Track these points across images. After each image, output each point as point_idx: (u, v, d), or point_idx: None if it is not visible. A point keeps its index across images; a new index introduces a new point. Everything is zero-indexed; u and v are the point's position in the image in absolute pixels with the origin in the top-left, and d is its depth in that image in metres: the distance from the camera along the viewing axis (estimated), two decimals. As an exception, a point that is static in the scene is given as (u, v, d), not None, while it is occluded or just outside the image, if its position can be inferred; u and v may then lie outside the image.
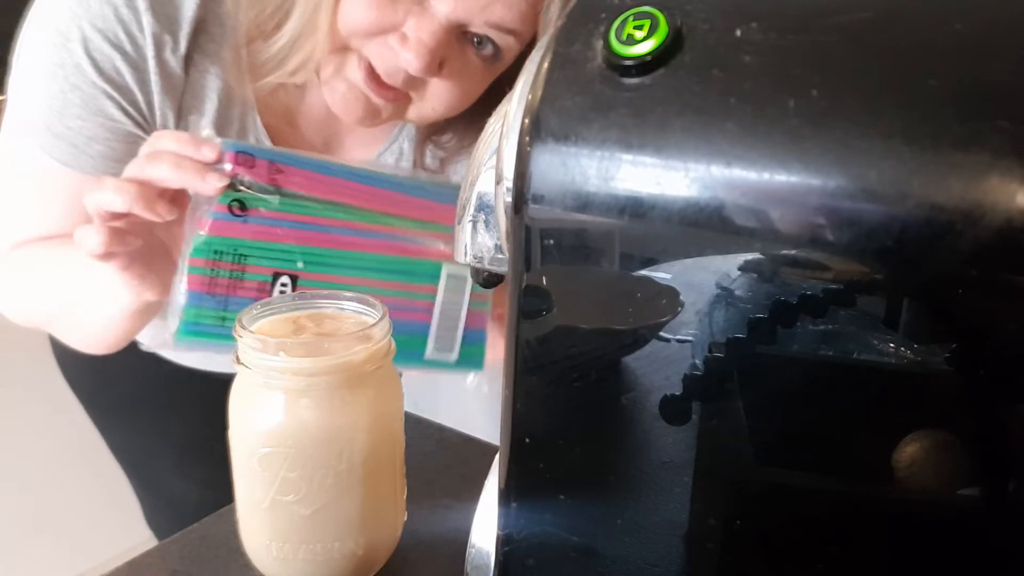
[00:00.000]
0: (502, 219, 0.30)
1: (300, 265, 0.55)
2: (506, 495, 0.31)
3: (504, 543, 0.31)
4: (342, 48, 0.62)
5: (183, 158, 0.54)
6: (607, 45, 0.26)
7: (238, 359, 0.44)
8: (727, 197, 0.25)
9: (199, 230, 0.53)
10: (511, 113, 0.28)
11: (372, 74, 0.62)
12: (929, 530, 0.27)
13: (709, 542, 0.29)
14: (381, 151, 0.75)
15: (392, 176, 0.60)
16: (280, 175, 0.56)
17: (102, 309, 0.63)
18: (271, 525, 0.45)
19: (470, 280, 0.58)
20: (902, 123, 0.24)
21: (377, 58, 0.61)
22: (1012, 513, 0.26)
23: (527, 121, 0.27)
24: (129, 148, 0.66)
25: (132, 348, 0.84)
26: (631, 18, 0.26)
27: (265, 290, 0.54)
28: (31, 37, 0.65)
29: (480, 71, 0.64)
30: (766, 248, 0.25)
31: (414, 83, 0.63)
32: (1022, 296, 0.23)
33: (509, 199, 0.28)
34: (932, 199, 0.23)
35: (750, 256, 0.25)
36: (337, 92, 0.64)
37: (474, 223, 0.33)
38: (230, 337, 0.51)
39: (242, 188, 0.54)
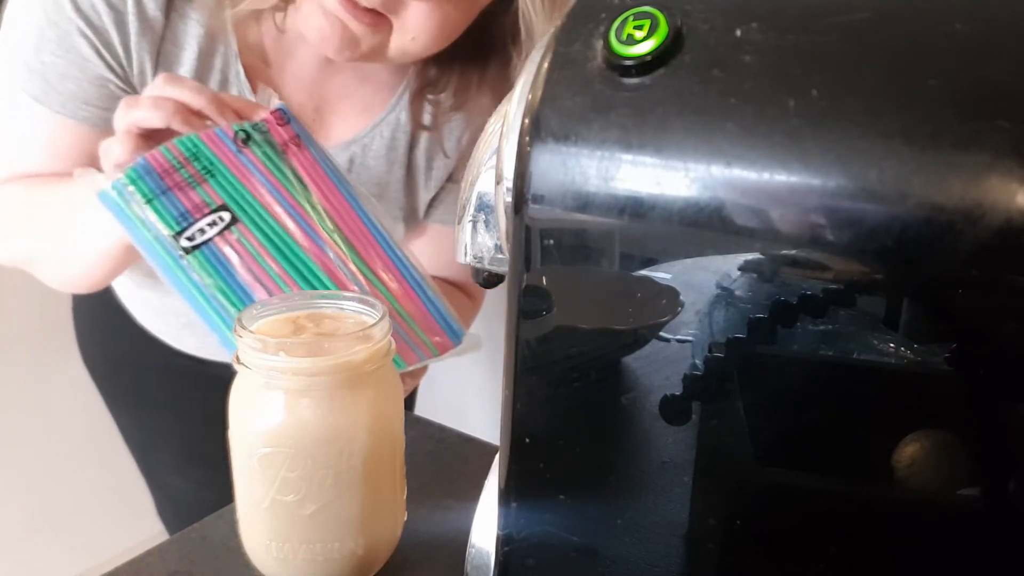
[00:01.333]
0: (502, 219, 0.30)
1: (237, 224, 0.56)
2: (506, 495, 0.31)
3: (504, 543, 0.31)
4: None
5: (208, 94, 0.55)
6: (607, 45, 0.26)
7: (238, 359, 0.44)
8: (727, 197, 0.25)
9: (198, 132, 0.56)
10: (511, 113, 0.28)
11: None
12: (929, 530, 0.27)
13: (709, 542, 0.29)
14: (377, 121, 0.74)
15: (381, 226, 0.61)
16: (294, 148, 0.57)
17: (90, 246, 0.62)
18: (271, 525, 0.45)
19: None
20: (902, 123, 0.24)
21: None
22: (1012, 513, 0.26)
23: (527, 121, 0.27)
24: (100, 91, 0.66)
25: (149, 338, 0.84)
26: (631, 18, 0.26)
27: (202, 210, 0.55)
28: None
29: (459, 1, 0.61)
30: (766, 248, 0.25)
31: (392, 4, 0.60)
32: (1022, 296, 0.23)
33: (509, 199, 0.28)
34: (932, 199, 0.23)
35: (750, 256, 0.25)
36: (312, 21, 0.61)
37: (474, 223, 0.33)
38: (135, 223, 0.54)
39: (257, 132, 0.56)
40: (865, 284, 0.25)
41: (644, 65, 0.26)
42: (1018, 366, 0.24)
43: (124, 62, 0.66)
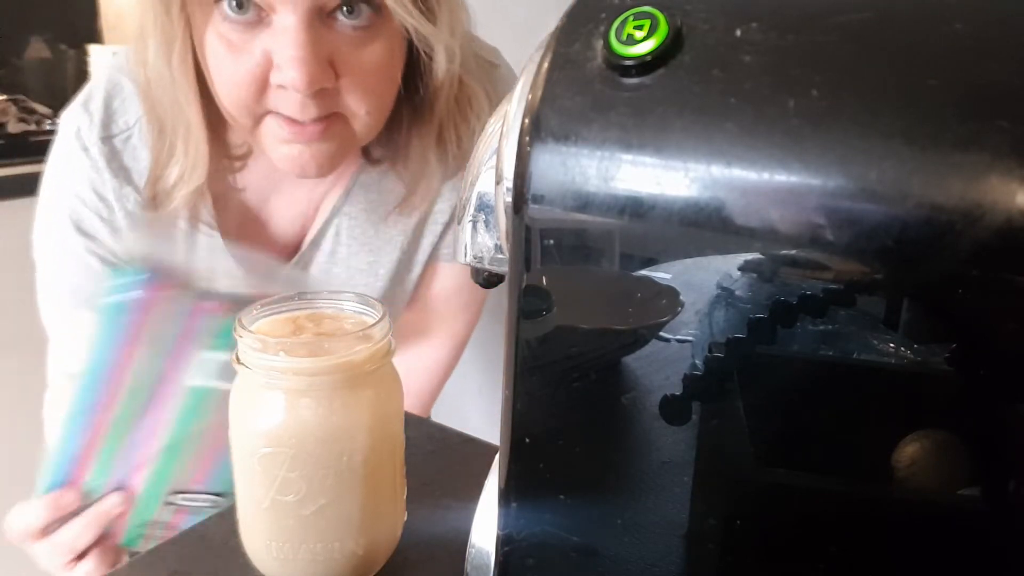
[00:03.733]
0: (502, 219, 0.30)
1: None
2: (506, 495, 0.31)
3: (504, 543, 0.31)
4: (257, 120, 0.61)
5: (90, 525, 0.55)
6: (607, 45, 0.26)
7: (238, 359, 0.44)
8: (727, 197, 0.25)
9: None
10: (511, 113, 0.28)
11: (294, 122, 0.59)
12: (929, 530, 0.27)
13: (709, 542, 0.29)
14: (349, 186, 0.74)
15: None
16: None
17: None
18: (271, 525, 0.45)
19: None
20: (902, 123, 0.24)
21: (282, 107, 0.58)
22: (1012, 513, 0.26)
23: (527, 121, 0.27)
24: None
25: None
26: (631, 18, 0.26)
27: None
28: (40, 194, 0.71)
29: (373, 43, 0.59)
30: (766, 248, 0.25)
31: (326, 101, 0.58)
32: (1022, 296, 0.23)
33: (509, 199, 0.28)
34: (932, 199, 0.23)
35: (750, 256, 0.25)
36: (281, 157, 0.62)
37: (474, 223, 0.33)
38: None
39: None
40: (865, 284, 0.25)
41: (644, 65, 0.26)
42: (1018, 366, 0.24)
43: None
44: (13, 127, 1.74)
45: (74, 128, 0.66)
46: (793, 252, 0.25)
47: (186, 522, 0.53)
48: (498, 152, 0.29)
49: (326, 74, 0.56)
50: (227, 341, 0.45)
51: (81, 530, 0.51)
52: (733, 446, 0.28)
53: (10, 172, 1.71)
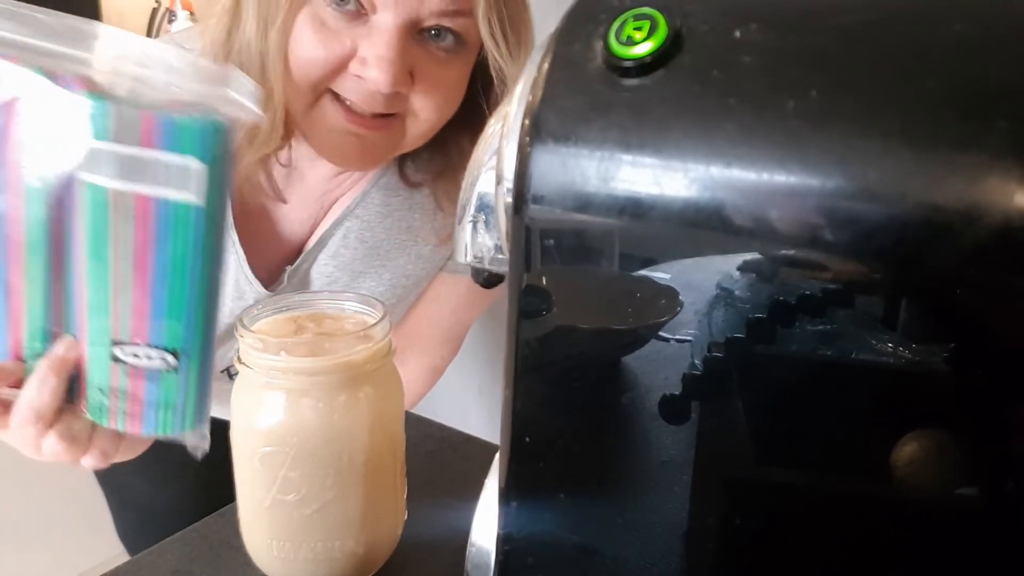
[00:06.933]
0: (502, 219, 0.30)
1: None
2: (506, 494, 0.31)
3: (504, 542, 0.31)
4: (314, 100, 0.62)
5: None
6: (607, 46, 0.26)
7: (240, 359, 0.44)
8: (726, 197, 0.25)
9: None
10: (511, 114, 0.28)
11: (352, 112, 0.61)
12: (927, 529, 0.27)
13: (708, 541, 0.29)
14: (366, 189, 0.74)
15: None
16: None
17: None
18: (272, 524, 0.45)
19: None
20: (901, 123, 0.24)
21: (349, 92, 0.60)
22: (1011, 513, 0.26)
23: (527, 122, 0.27)
24: None
25: None
26: (631, 19, 0.26)
27: None
28: None
29: (451, 65, 0.63)
30: (765, 248, 0.25)
31: (395, 102, 0.61)
32: (1020, 296, 0.24)
33: (509, 199, 0.28)
34: (931, 199, 0.23)
35: (749, 256, 0.25)
36: (328, 143, 0.63)
37: (474, 223, 0.33)
38: None
39: None
40: (863, 284, 0.25)
41: (643, 66, 0.26)
42: (1015, 366, 0.24)
43: None
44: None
45: None
46: (792, 252, 0.25)
47: (147, 391, 0.45)
48: (498, 153, 0.29)
49: (404, 80, 0.60)
50: (102, 124, 0.40)
51: (39, 384, 0.45)
52: (732, 445, 0.28)
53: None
